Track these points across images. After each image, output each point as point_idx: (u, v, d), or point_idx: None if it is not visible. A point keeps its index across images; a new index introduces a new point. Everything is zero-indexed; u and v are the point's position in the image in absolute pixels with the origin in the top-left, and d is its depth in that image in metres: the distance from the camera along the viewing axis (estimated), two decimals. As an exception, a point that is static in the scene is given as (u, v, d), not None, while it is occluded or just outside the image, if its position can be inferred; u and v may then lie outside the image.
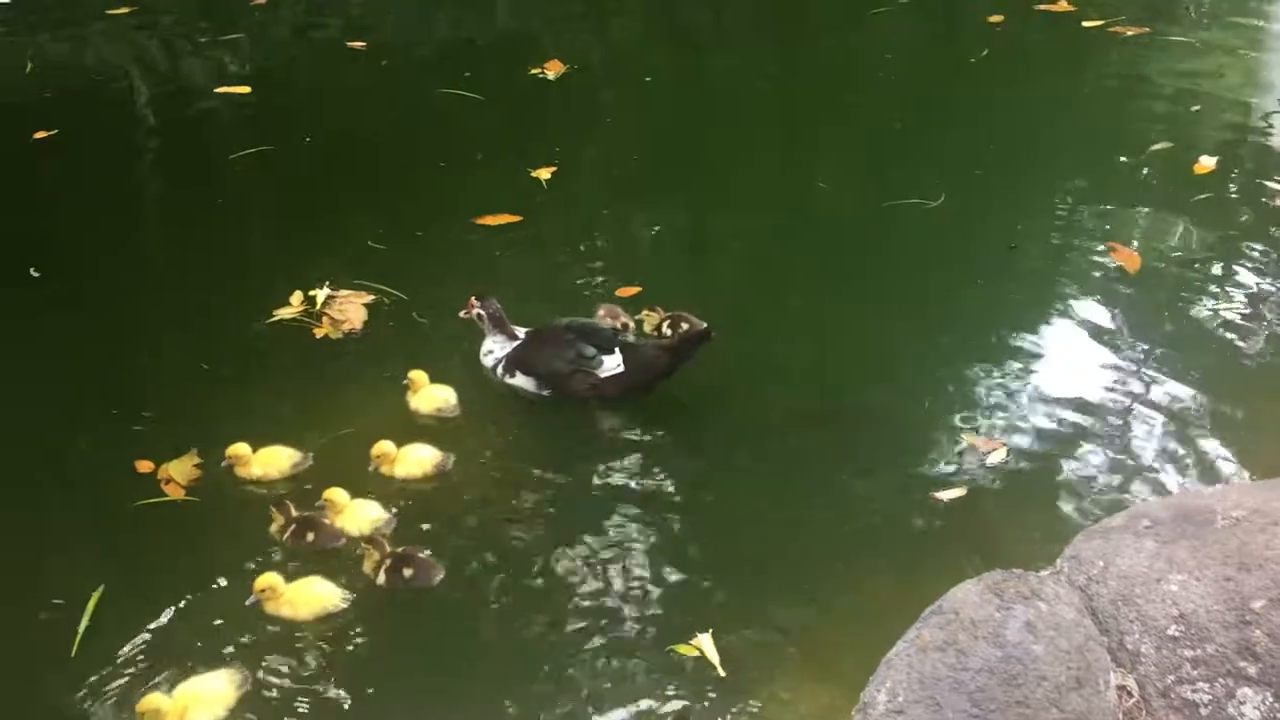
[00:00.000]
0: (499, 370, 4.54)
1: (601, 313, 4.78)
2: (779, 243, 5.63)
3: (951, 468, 4.12)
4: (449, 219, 5.64)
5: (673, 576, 3.74)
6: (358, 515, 3.90)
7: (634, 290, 5.05)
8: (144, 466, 4.14)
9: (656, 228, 5.70)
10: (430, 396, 4.40)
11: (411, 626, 3.63)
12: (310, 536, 3.84)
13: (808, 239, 5.63)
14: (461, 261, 5.27)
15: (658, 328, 4.74)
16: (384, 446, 4.11)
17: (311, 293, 5.01)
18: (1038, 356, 4.71)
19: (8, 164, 6.38)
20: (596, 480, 4.13)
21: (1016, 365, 4.66)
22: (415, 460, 4.11)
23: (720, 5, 8.89)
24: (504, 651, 3.51)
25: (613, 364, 4.37)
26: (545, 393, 4.46)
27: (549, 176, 6.06)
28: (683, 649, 3.46)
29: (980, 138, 6.56)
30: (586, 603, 3.64)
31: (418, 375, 4.41)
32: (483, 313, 4.58)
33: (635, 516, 3.96)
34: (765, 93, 7.42)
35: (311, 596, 3.61)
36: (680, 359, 4.35)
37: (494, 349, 4.57)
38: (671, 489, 4.08)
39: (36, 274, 5.31)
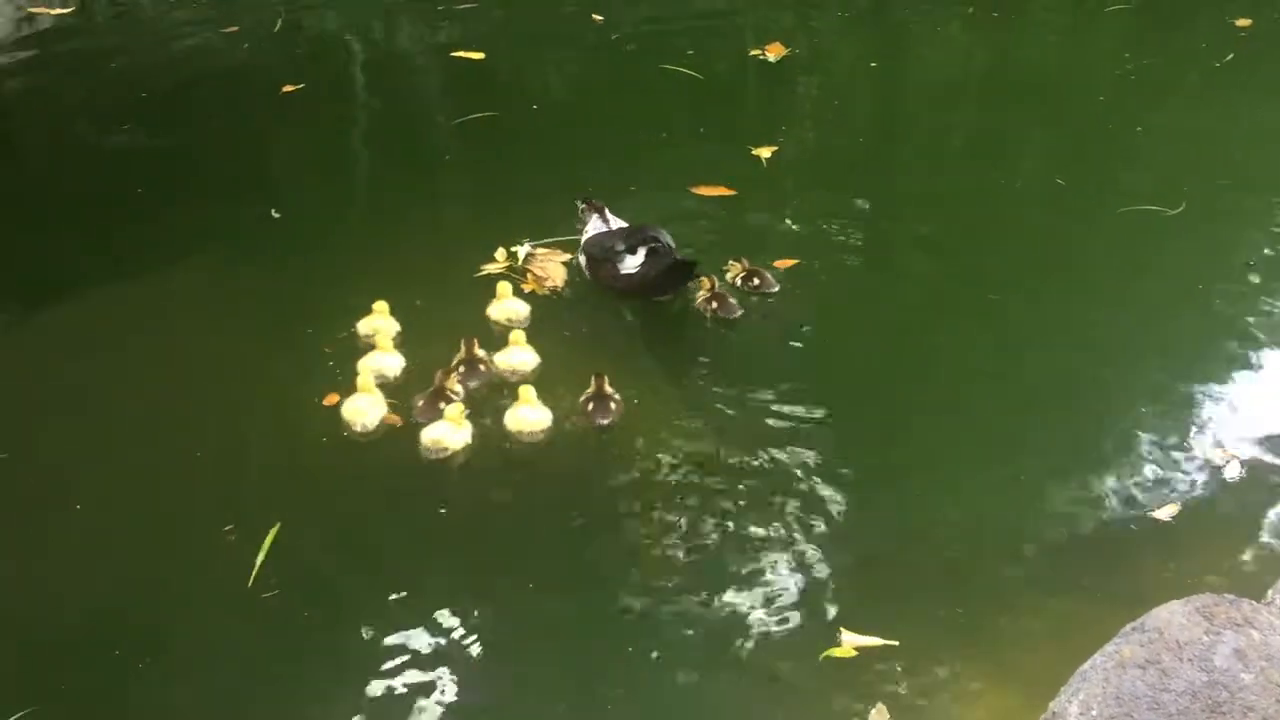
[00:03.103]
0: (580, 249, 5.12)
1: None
2: (1005, 237, 5.49)
3: (1167, 481, 3.94)
4: (664, 185, 5.70)
5: (845, 565, 3.68)
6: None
7: (792, 262, 5.08)
8: (330, 399, 4.34)
9: (870, 210, 5.62)
10: (503, 308, 4.77)
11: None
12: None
13: (1035, 235, 5.48)
14: (668, 225, 5.30)
15: (735, 278, 4.96)
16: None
17: (513, 249, 5.14)
18: (1271, 379, 4.45)
19: (259, 115, 6.76)
20: (760, 455, 4.10)
21: (1244, 385, 4.42)
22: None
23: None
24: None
25: (632, 264, 4.82)
26: (586, 274, 5.02)
27: (769, 155, 6.05)
28: (837, 652, 3.36)
29: (1225, 146, 6.20)
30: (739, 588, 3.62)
31: (502, 286, 4.83)
32: (584, 205, 5.18)
33: (799, 502, 3.92)
34: (996, 84, 7.22)
35: (358, 413, 4.20)
36: (666, 278, 4.79)
37: (590, 231, 5.12)
38: (846, 472, 4.03)
39: (277, 215, 5.61)
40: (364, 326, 4.66)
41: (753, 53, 7.34)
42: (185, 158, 6.28)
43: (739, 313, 4.81)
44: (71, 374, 4.59)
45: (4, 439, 4.19)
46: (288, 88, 6.91)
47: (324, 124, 6.71)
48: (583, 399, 4.25)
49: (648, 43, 7.69)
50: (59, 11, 8.01)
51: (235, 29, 7.80)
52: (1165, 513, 3.80)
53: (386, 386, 4.37)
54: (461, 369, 4.41)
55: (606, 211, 5.14)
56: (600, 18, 7.94)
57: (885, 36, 8.00)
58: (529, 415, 4.17)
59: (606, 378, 4.24)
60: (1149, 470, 4.00)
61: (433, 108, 7.04)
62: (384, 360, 4.44)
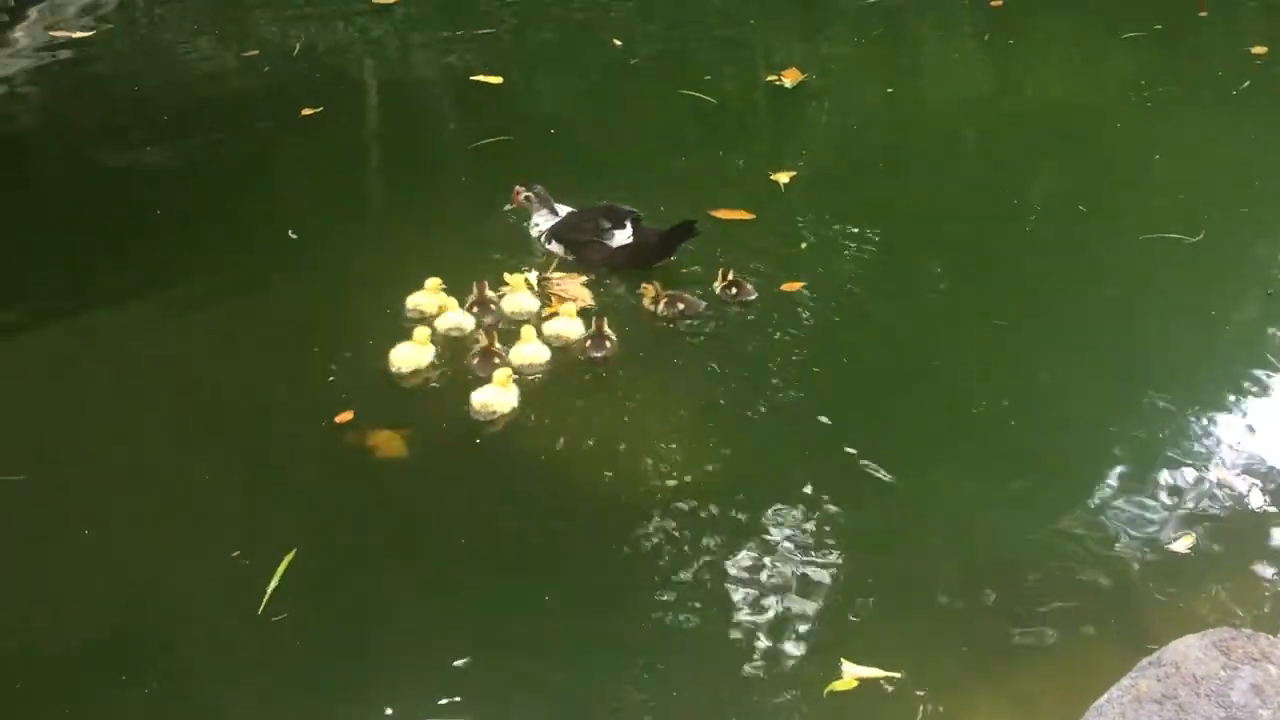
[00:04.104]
0: (541, 239, 5.43)
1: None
2: (1026, 263, 5.49)
3: (1184, 511, 3.91)
4: (682, 208, 5.65)
5: (847, 593, 3.65)
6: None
7: (797, 285, 5.12)
8: (343, 417, 4.35)
9: (888, 234, 5.60)
10: (516, 300, 5.00)
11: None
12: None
13: (1056, 261, 5.47)
14: (687, 247, 5.33)
15: (718, 285, 5.08)
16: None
17: (518, 276, 5.12)
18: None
19: (278, 138, 6.81)
20: (763, 479, 4.09)
21: (1263, 414, 4.38)
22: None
23: (958, 22, 8.65)
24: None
25: (623, 237, 5.20)
26: (570, 258, 5.33)
27: (787, 180, 6.06)
28: (840, 686, 3.32)
29: (1243, 173, 6.17)
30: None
31: (516, 279, 5.07)
32: (530, 195, 5.48)
33: (798, 523, 3.89)
34: (1012, 110, 7.21)
35: (403, 359, 4.61)
36: (668, 243, 5.22)
37: (540, 223, 5.48)
38: (849, 496, 4.00)
39: (294, 236, 5.64)
40: (413, 301, 4.97)
41: (769, 78, 7.37)
42: (203, 179, 6.33)
43: (753, 295, 5.02)
44: (82, 395, 4.63)
45: (16, 461, 4.20)
46: (306, 111, 6.95)
47: (342, 146, 6.75)
48: (582, 337, 4.75)
49: (665, 68, 7.74)
50: (80, 34, 8.09)
51: (255, 53, 7.88)
52: (1182, 544, 3.76)
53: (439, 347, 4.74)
54: (476, 309, 4.90)
55: (549, 197, 5.47)
56: (619, 42, 7.98)
57: (901, 62, 8.02)
58: (530, 351, 4.68)
59: (605, 320, 4.73)
60: (1165, 500, 3.97)
61: (450, 131, 7.08)
62: (458, 318, 4.87)
